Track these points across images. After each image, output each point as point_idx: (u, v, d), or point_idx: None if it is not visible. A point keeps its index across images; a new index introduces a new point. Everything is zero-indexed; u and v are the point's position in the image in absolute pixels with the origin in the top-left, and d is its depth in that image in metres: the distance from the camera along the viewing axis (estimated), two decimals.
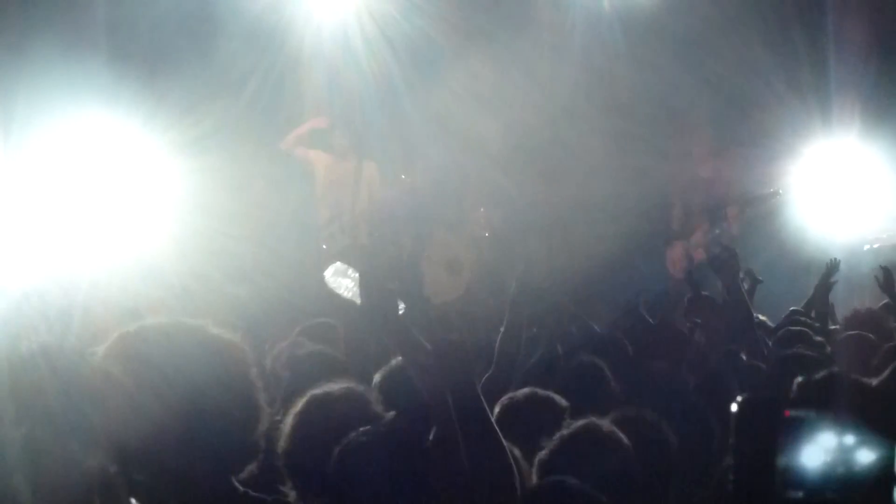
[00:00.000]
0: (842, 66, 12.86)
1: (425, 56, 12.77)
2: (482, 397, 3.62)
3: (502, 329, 5.50)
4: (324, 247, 12.46)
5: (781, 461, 2.29)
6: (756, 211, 13.22)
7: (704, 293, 9.83)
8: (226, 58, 12.09)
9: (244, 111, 12.41)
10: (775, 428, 2.29)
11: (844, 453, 2.30)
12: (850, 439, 2.31)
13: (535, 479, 3.71)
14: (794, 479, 2.29)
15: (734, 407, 2.33)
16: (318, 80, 12.81)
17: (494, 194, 13.17)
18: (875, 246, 12.99)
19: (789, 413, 2.30)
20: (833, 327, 8.97)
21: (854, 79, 12.91)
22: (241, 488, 2.99)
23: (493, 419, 3.71)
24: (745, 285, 9.05)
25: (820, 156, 13.28)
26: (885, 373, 4.15)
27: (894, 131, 12.75)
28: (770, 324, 9.13)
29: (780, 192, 13.09)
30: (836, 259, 9.76)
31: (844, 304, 12.01)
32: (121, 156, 11.59)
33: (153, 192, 11.55)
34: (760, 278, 9.34)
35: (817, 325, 8.66)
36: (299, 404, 3.86)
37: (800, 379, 2.34)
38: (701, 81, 13.06)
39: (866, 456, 2.29)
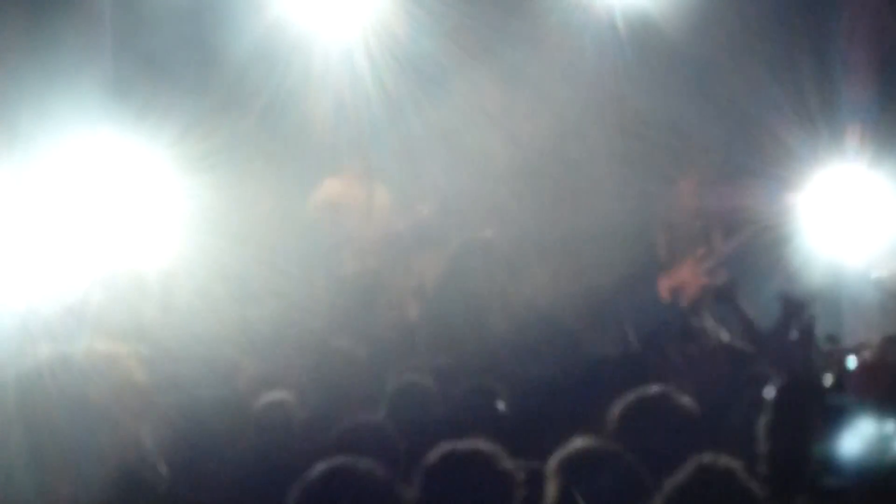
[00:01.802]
0: (851, 93, 12.86)
1: (434, 78, 12.79)
2: None
3: None
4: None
5: (819, 448, 2.27)
6: (761, 238, 13.18)
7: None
8: (234, 76, 12.11)
9: (252, 130, 12.43)
10: (814, 414, 2.27)
11: (883, 441, 2.28)
12: (889, 428, 2.29)
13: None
14: (832, 465, 2.28)
15: (771, 392, 2.30)
16: (327, 102, 12.81)
17: (501, 216, 13.16)
18: (883, 274, 12.93)
19: (828, 400, 2.29)
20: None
21: (863, 106, 12.91)
22: None
23: None
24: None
25: (827, 183, 13.25)
26: None
27: None
28: None
29: (786, 217, 13.06)
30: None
31: (851, 332, 11.98)
32: (127, 173, 11.60)
33: (160, 210, 11.55)
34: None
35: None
36: None
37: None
38: (709, 107, 13.06)
39: None
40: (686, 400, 4.66)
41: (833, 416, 2.21)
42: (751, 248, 13.18)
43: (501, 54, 13.10)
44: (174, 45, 11.50)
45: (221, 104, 12.13)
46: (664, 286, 13.41)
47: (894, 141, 12.84)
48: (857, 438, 2.23)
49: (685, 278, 13.31)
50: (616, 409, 4.74)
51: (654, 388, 4.65)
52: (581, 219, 13.04)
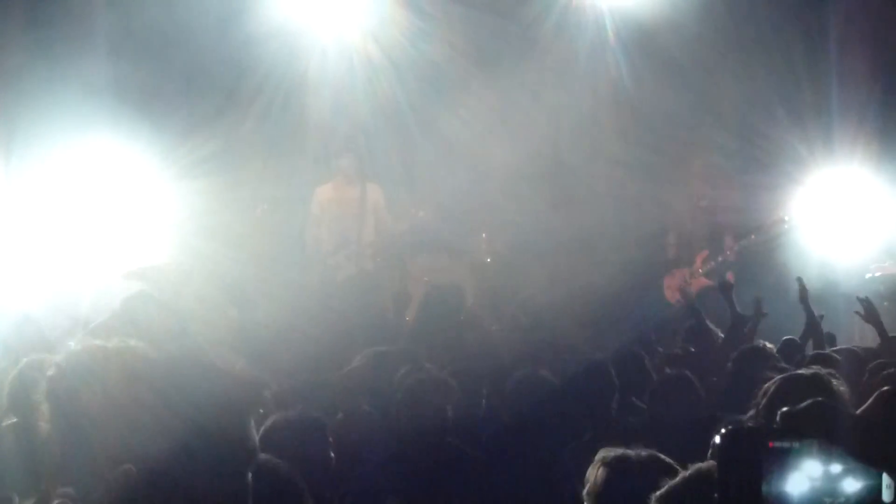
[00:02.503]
0: (846, 94, 12.87)
1: (430, 81, 12.80)
2: None
3: None
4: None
5: (766, 492, 2.28)
6: (759, 239, 13.19)
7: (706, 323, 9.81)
8: (231, 80, 12.13)
9: (248, 134, 12.44)
10: (760, 458, 2.28)
11: (830, 483, 2.30)
12: (835, 469, 2.31)
13: None
14: None
15: (717, 438, 2.33)
16: (323, 105, 12.82)
17: (497, 219, 13.18)
18: (877, 274, 12.95)
19: (773, 444, 2.30)
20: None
21: (859, 107, 12.91)
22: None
23: None
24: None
25: (823, 184, 13.28)
26: (869, 401, 4.17)
27: None
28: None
29: (785, 219, 13.07)
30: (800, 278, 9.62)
31: (846, 331, 11.98)
32: (124, 178, 11.63)
33: (156, 214, 11.58)
34: (765, 311, 9.34)
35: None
36: None
37: (784, 409, 2.35)
38: (705, 109, 13.07)
39: (852, 485, 2.30)
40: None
41: (781, 460, 2.23)
42: (749, 247, 13.19)
43: (499, 58, 13.12)
44: (171, 50, 11.51)
45: (218, 109, 12.16)
46: (668, 286, 13.44)
47: (889, 143, 12.86)
48: (806, 481, 2.25)
49: (688, 278, 13.33)
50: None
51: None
52: (579, 222, 13.06)
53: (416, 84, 12.74)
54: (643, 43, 13.20)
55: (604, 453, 3.82)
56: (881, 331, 8.88)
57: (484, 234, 13.24)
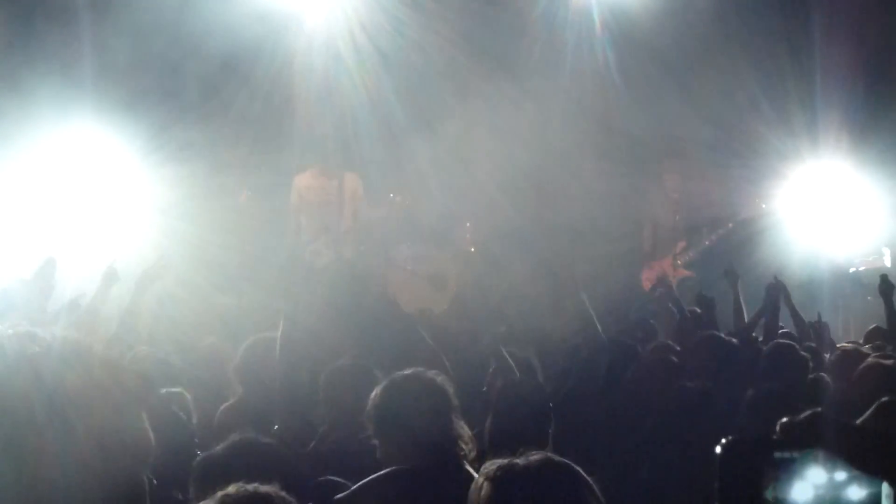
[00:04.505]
0: (830, 89, 12.89)
1: (415, 70, 12.77)
2: None
3: None
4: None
5: (772, 500, 2.28)
6: (742, 232, 13.23)
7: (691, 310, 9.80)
8: (215, 67, 12.06)
9: (232, 120, 12.40)
10: (762, 469, 2.28)
11: (834, 490, 2.30)
12: (835, 479, 2.31)
13: None
14: None
15: (718, 449, 2.32)
16: (309, 92, 12.78)
17: (481, 209, 13.16)
18: (860, 269, 13.01)
19: (775, 454, 2.30)
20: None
21: (844, 103, 12.94)
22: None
23: None
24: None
25: (808, 179, 13.31)
26: (869, 412, 4.16)
27: (881, 155, 12.78)
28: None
29: (767, 212, 13.10)
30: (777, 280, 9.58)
31: (830, 325, 12.03)
32: (107, 164, 11.58)
33: (140, 200, 11.54)
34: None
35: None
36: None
37: (783, 420, 2.33)
38: (689, 104, 13.06)
39: (853, 494, 2.30)
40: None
41: (782, 470, 2.23)
42: (733, 241, 13.22)
43: (488, 47, 13.10)
44: (156, 35, 11.46)
45: (204, 94, 12.12)
46: (647, 279, 13.45)
47: (874, 138, 12.89)
48: (806, 491, 2.25)
49: (666, 270, 13.35)
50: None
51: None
52: (563, 212, 13.06)
53: (402, 72, 12.70)
54: (629, 36, 13.19)
55: (488, 466, 3.26)
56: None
57: (468, 224, 13.22)
